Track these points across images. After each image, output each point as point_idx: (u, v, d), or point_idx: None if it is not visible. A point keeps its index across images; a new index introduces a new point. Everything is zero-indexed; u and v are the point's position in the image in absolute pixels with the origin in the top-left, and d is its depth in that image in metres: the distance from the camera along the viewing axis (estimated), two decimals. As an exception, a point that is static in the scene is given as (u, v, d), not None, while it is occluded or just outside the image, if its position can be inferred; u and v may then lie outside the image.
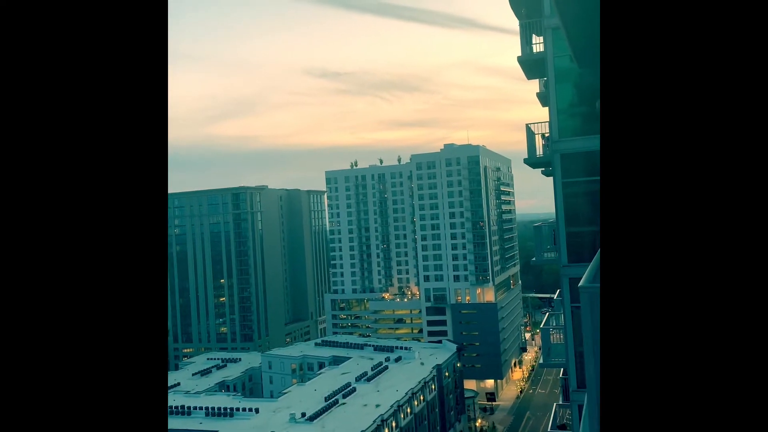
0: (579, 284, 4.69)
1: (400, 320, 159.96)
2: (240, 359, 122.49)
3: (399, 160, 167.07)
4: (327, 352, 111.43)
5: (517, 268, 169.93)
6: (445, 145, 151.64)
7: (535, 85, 23.63)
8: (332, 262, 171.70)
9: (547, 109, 18.13)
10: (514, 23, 20.17)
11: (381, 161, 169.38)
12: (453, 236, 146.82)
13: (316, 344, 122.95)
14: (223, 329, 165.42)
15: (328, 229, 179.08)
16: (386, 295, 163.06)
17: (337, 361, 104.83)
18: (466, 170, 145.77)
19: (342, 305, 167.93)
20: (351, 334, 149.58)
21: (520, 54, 19.39)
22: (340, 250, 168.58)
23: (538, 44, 19.24)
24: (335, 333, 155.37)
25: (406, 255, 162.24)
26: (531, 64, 19.48)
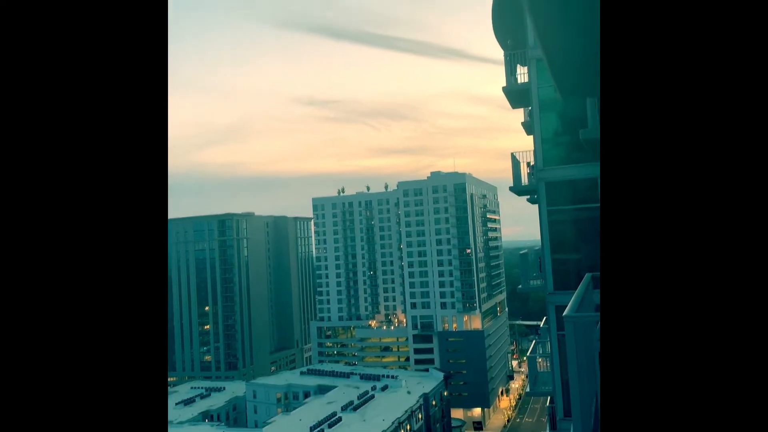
0: (564, 313, 4.69)
1: (387, 348, 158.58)
2: (224, 388, 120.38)
3: (386, 187, 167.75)
4: (313, 381, 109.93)
5: (503, 296, 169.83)
6: (432, 173, 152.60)
7: (520, 114, 23.96)
8: (318, 289, 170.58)
9: (531, 137, 18.36)
10: (499, 54, 20.53)
11: (368, 188, 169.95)
12: (440, 263, 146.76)
13: (302, 373, 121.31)
14: (208, 357, 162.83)
15: (314, 255, 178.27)
16: (373, 323, 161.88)
17: (322, 390, 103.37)
18: (453, 198, 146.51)
19: (328, 333, 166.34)
20: (337, 362, 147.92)
21: (505, 84, 19.69)
22: (327, 277, 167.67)
23: (522, 74, 19.56)
24: (321, 361, 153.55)
25: (392, 282, 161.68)
26: (516, 94, 19.77)
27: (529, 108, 19.53)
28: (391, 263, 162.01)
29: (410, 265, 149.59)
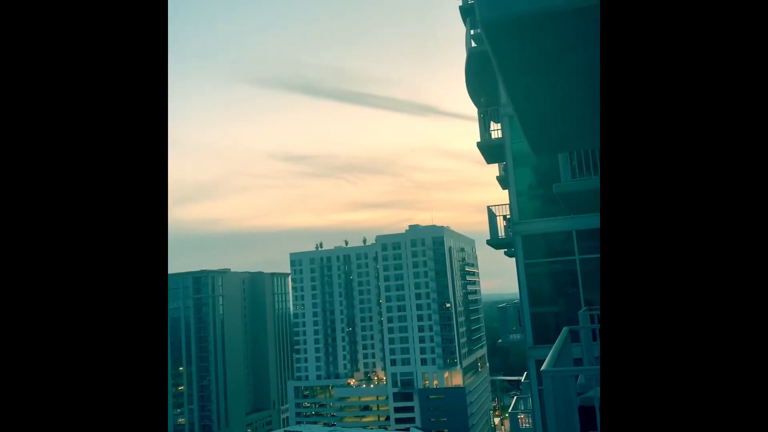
0: (541, 368, 4.66)
1: (367, 407, 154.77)
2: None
3: (364, 241, 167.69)
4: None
5: (484, 350, 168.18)
6: (410, 226, 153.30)
7: (495, 169, 24.40)
8: (296, 347, 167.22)
9: (507, 191, 18.66)
10: (473, 110, 21.07)
11: (346, 242, 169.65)
12: (419, 318, 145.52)
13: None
14: (181, 420, 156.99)
15: (292, 312, 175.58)
16: (352, 381, 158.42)
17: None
18: (431, 251, 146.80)
19: (306, 393, 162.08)
20: (315, 423, 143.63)
21: (479, 140, 20.12)
22: (305, 334, 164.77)
23: (496, 130, 20.05)
24: (299, 422, 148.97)
25: (372, 338, 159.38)
26: (490, 150, 20.19)
27: (504, 163, 19.94)
28: (370, 318, 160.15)
29: (390, 320, 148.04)
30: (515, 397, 21.71)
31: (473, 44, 19.27)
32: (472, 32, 19.43)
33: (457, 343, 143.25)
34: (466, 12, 20.71)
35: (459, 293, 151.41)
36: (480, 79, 20.11)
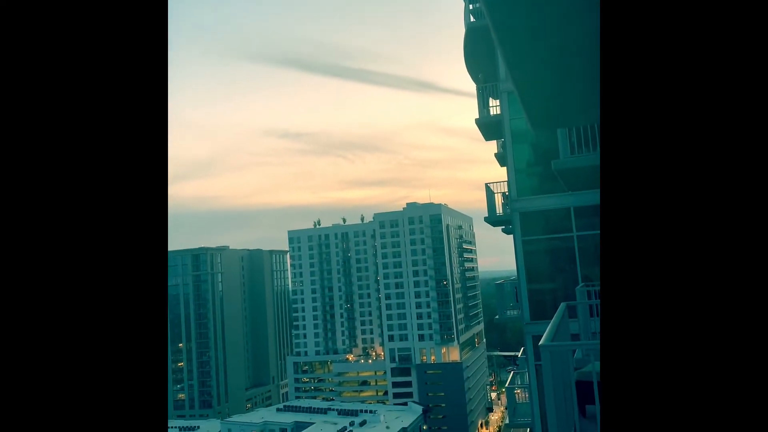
0: (540, 342, 4.70)
1: (365, 382, 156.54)
2: (198, 427, 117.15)
3: (362, 219, 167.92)
4: (289, 418, 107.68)
5: (481, 326, 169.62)
6: (408, 204, 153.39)
7: (493, 146, 24.32)
8: (295, 323, 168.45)
9: (505, 168, 18.62)
10: (471, 86, 20.91)
11: (344, 220, 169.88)
12: (417, 294, 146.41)
13: (278, 410, 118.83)
14: (181, 396, 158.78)
15: (290, 289, 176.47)
16: (350, 357, 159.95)
17: (299, 427, 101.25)
18: (429, 229, 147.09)
19: (305, 368, 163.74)
20: (314, 398, 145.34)
21: (478, 116, 20.01)
22: (303, 310, 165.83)
23: (495, 107, 19.93)
24: (298, 397, 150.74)
25: (370, 315, 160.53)
26: (488, 126, 20.09)
27: (502, 140, 19.86)
28: (368, 296, 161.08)
29: (387, 297, 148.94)
30: (512, 372, 21.95)
31: (472, 19, 19.04)
32: (470, 7, 19.19)
33: (454, 319, 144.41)
34: (465, -14, 20.42)
35: (456, 270, 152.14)
36: (479, 55, 19.92)
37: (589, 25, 4.43)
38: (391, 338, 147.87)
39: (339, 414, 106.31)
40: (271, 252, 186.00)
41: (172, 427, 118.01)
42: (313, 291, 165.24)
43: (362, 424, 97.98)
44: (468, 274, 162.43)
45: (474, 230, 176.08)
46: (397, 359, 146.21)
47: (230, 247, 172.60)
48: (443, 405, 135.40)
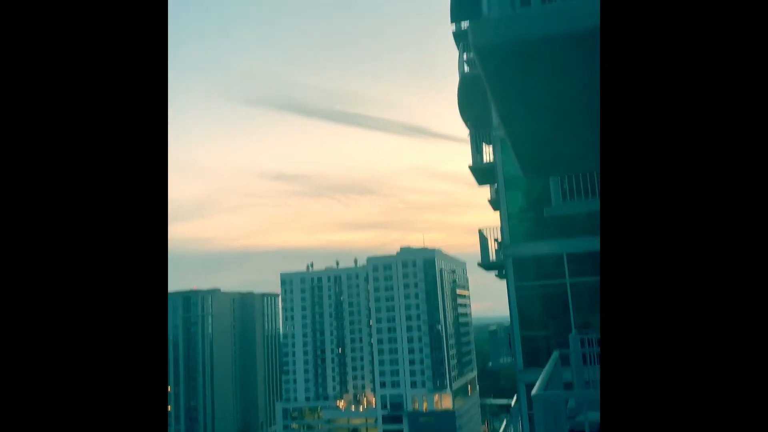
0: (532, 392, 4.64)
1: (355, 430, 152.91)
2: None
3: (355, 262, 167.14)
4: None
5: (474, 373, 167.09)
6: (402, 248, 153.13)
7: (486, 191, 24.51)
8: (285, 368, 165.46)
9: (498, 214, 18.73)
10: (465, 132, 21.22)
11: (337, 263, 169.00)
12: (410, 339, 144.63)
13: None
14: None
15: (281, 333, 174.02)
16: (341, 403, 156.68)
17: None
18: (422, 273, 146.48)
19: (294, 414, 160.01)
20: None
21: (471, 162, 20.24)
22: (294, 355, 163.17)
23: (488, 153, 20.18)
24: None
25: (362, 360, 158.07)
26: (482, 172, 20.31)
27: (496, 185, 20.05)
28: (360, 340, 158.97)
29: (379, 342, 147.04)
30: (505, 421, 21.53)
31: (466, 68, 19.48)
32: (465, 56, 19.65)
33: (447, 366, 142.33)
34: (459, 37, 20.96)
35: (450, 315, 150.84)
36: (472, 103, 20.29)
37: (579, 76, 4.55)
38: (382, 384, 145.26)
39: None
40: (262, 295, 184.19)
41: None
42: (304, 335, 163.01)
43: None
44: (461, 320, 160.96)
45: (468, 275, 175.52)
46: (388, 406, 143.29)
47: (222, 290, 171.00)
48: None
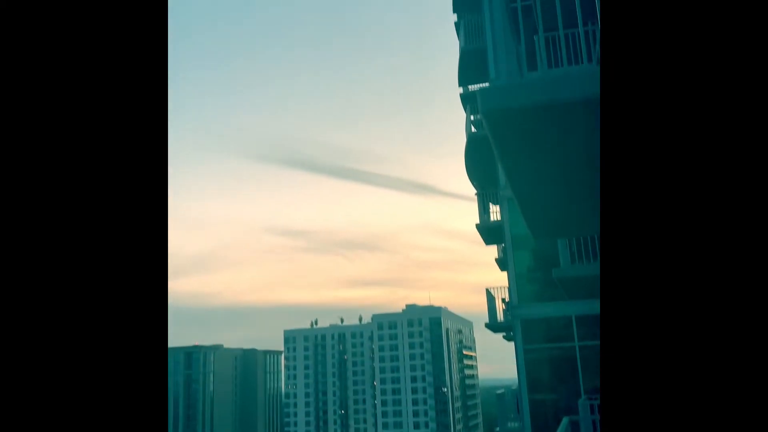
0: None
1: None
2: None
3: (360, 319, 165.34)
4: None
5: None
6: (407, 306, 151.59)
7: (493, 250, 24.45)
8: (286, 428, 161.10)
9: (506, 273, 18.60)
10: (472, 191, 21.36)
11: (342, 320, 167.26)
12: (414, 402, 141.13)
13: None
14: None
15: (283, 392, 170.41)
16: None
17: None
18: (428, 332, 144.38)
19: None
20: None
21: (478, 221, 20.27)
22: (296, 415, 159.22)
23: (495, 212, 20.24)
24: None
25: (365, 422, 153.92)
26: (489, 231, 20.31)
27: (503, 245, 20.00)
28: (364, 401, 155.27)
29: (383, 403, 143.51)
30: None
31: (473, 129, 19.81)
32: (472, 117, 20.02)
33: (452, 430, 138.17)
34: (466, 98, 21.43)
35: (456, 377, 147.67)
36: (479, 163, 20.53)
37: (585, 140, 4.61)
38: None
39: None
40: (265, 352, 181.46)
41: None
42: (307, 395, 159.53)
43: None
44: (468, 382, 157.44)
45: (474, 335, 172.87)
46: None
47: (224, 346, 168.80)
48: None
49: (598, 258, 12.83)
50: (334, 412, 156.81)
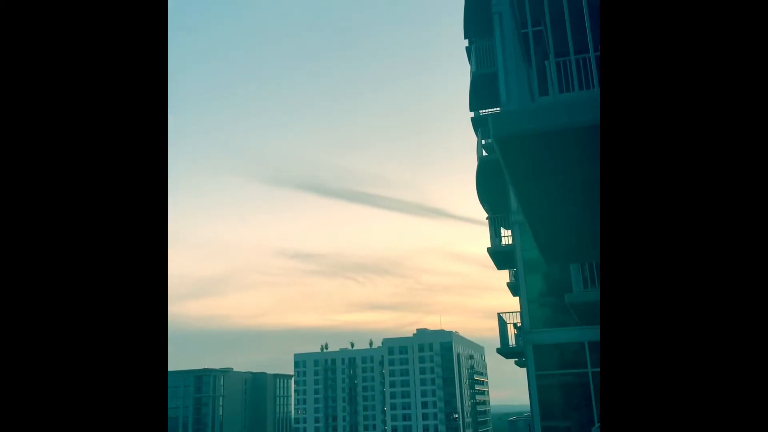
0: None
1: None
2: None
3: (371, 343, 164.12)
4: None
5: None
6: (418, 330, 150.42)
7: (505, 275, 24.28)
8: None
9: (518, 298, 18.44)
10: (482, 214, 21.32)
11: (352, 345, 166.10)
12: (425, 428, 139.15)
13: None
14: None
15: (293, 416, 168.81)
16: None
17: None
18: (439, 357, 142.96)
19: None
20: None
21: (489, 245, 20.18)
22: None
23: (506, 236, 20.15)
24: None
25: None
26: (500, 255, 20.20)
27: (515, 269, 19.87)
28: (374, 427, 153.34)
29: (394, 429, 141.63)
30: None
31: (484, 153, 19.84)
32: (483, 142, 20.07)
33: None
34: (477, 122, 21.52)
35: (467, 403, 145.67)
36: (490, 187, 20.52)
37: (598, 165, 4.60)
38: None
39: None
40: (275, 376, 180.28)
41: None
42: (317, 420, 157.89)
43: None
44: (479, 407, 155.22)
45: (486, 360, 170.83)
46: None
47: (234, 369, 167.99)
48: None
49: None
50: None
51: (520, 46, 5.07)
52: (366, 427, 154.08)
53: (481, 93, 20.39)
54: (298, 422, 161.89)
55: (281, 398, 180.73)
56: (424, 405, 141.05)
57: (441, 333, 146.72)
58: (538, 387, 16.88)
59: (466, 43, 21.33)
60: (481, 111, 21.67)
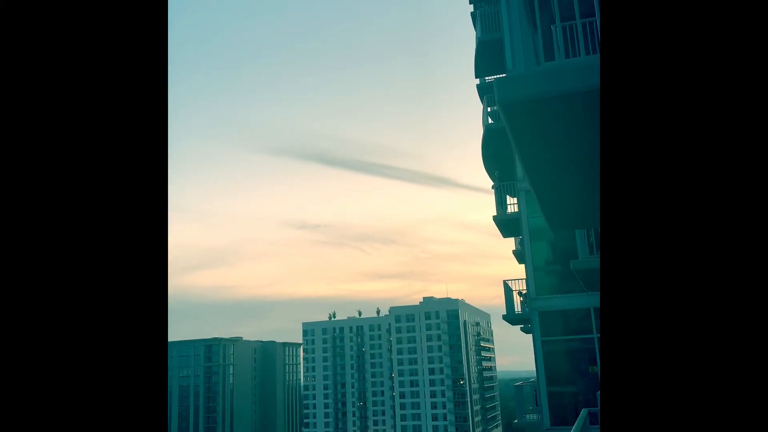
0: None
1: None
2: None
3: (378, 312, 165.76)
4: None
5: (499, 430, 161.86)
6: (424, 298, 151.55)
7: (511, 243, 24.32)
8: (305, 420, 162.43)
9: (523, 266, 18.51)
10: (489, 183, 21.25)
11: (360, 313, 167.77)
12: (432, 394, 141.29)
13: None
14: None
15: (302, 384, 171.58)
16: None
17: None
18: (446, 324, 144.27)
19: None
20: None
21: (495, 213, 20.18)
22: (314, 407, 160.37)
23: (512, 204, 20.12)
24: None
25: (383, 414, 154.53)
26: (506, 224, 20.21)
27: (520, 237, 19.89)
28: (382, 393, 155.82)
29: (402, 395, 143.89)
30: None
31: (490, 120, 19.69)
32: (489, 109, 19.89)
33: (471, 422, 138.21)
34: (483, 90, 21.29)
35: (473, 369, 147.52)
36: (496, 155, 20.40)
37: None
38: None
39: None
40: (284, 344, 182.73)
41: None
42: (326, 387, 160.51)
43: None
44: (486, 374, 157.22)
45: (492, 327, 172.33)
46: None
47: (244, 338, 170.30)
48: None
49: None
50: (353, 404, 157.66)
51: (526, 11, 5.00)
52: (374, 394, 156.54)
53: (486, 59, 20.13)
54: (307, 389, 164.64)
55: (290, 366, 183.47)
56: (431, 372, 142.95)
57: (447, 301, 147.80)
58: (543, 353, 17.06)
59: (471, 8, 20.96)
60: (486, 78, 21.42)
